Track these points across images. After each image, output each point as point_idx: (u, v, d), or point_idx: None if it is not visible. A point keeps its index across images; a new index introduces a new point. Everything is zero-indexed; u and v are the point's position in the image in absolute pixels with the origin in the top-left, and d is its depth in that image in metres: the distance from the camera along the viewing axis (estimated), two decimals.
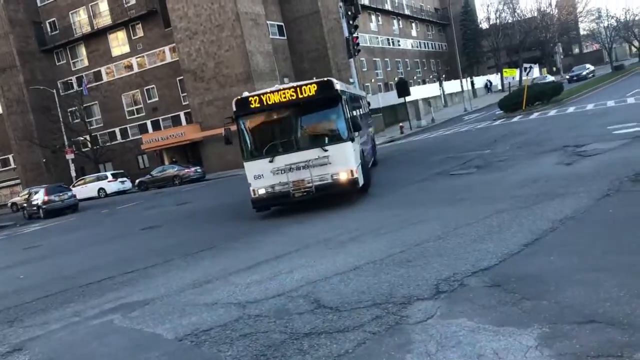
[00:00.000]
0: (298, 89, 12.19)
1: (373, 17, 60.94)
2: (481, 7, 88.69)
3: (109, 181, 39.17)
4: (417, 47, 74.53)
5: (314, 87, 12.18)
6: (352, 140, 12.62)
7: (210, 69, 41.43)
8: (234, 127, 13.04)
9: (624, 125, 16.35)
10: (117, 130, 49.38)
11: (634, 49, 78.55)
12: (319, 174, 12.17)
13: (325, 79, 12.56)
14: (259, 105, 12.39)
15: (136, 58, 47.44)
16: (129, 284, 8.94)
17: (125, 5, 46.70)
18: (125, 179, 40.19)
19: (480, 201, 10.17)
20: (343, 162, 12.21)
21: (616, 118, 18.97)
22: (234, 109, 12.63)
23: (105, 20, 47.84)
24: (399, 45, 68.15)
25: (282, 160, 12.34)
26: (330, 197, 12.92)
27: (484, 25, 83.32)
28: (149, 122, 47.81)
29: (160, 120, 47.30)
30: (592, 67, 54.44)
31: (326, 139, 12.54)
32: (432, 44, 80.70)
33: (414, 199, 12.10)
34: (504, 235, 7.44)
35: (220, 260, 9.39)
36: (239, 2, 39.97)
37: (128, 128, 48.94)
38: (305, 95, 12.16)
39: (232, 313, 6.30)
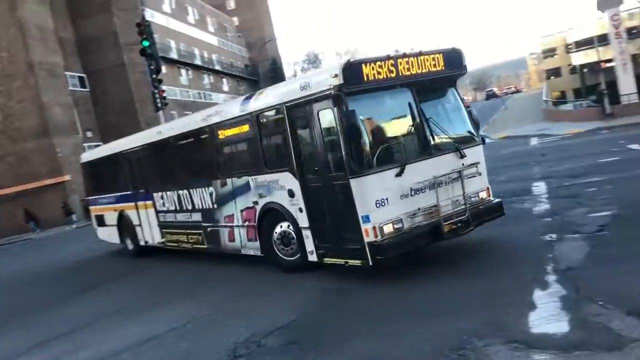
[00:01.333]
0: (424, 58, 7.65)
1: (183, 72, 60.61)
2: (288, 65, 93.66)
3: None
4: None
5: (440, 57, 7.82)
6: (484, 142, 8.60)
7: None
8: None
9: None
10: None
11: None
12: (467, 191, 7.63)
13: (454, 46, 8.19)
14: (377, 77, 7.11)
15: None
16: None
17: None
18: None
19: None
20: (482, 173, 8.17)
21: None
22: (340, 80, 6.85)
23: None
24: (211, 99, 68.43)
25: (421, 170, 7.22)
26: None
27: None
28: None
29: None
30: None
31: (452, 138, 7.79)
32: None
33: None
34: (302, 289, 7.53)
35: None
36: (32, 51, 36.79)
37: None
38: (433, 69, 7.74)
39: None
